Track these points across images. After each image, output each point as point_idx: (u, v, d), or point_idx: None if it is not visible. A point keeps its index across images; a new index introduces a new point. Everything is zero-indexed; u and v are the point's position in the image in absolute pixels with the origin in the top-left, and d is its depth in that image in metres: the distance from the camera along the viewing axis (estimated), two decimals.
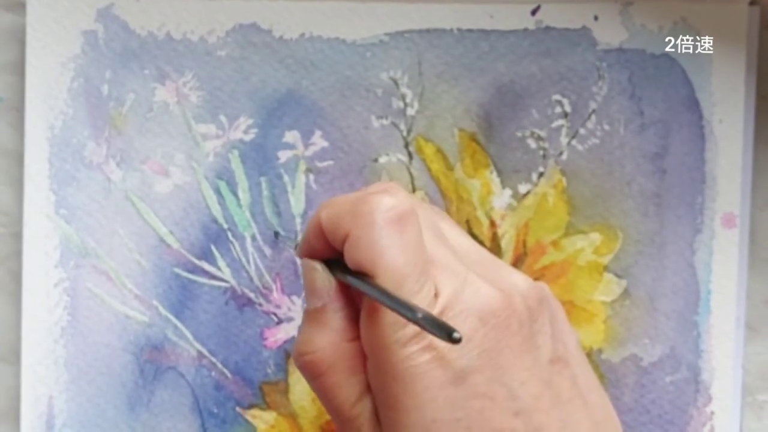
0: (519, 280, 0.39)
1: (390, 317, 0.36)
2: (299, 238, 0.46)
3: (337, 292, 0.39)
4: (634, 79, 0.47)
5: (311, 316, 0.39)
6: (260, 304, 0.48)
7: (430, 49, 0.47)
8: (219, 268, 0.48)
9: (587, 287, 0.47)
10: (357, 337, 0.38)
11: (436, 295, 0.37)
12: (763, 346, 0.48)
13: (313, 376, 0.38)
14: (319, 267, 0.39)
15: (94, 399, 0.48)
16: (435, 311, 0.36)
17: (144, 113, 0.48)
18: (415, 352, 0.36)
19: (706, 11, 0.46)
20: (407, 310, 0.34)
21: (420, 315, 0.34)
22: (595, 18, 0.47)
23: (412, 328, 0.36)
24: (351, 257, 0.37)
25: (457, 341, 0.32)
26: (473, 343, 0.36)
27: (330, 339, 0.38)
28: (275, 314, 0.48)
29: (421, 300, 0.36)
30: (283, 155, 0.48)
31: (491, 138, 0.47)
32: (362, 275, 0.37)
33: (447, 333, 0.33)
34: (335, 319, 0.38)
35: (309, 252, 0.40)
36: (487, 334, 0.36)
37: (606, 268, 0.47)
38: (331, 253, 0.39)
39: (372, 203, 0.37)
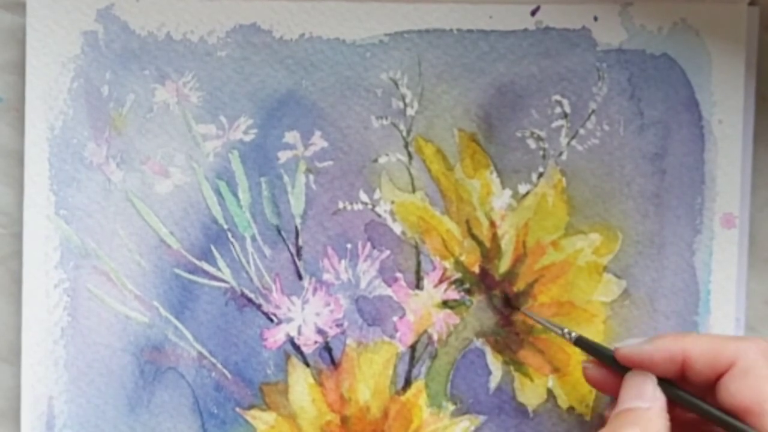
0: None
1: None
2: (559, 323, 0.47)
3: (665, 407, 0.41)
4: (633, 80, 0.47)
5: (634, 415, 0.41)
6: (260, 305, 0.48)
7: (429, 50, 0.47)
8: (219, 269, 0.48)
9: (587, 287, 0.47)
10: None
11: None
12: None
13: None
14: (654, 378, 0.42)
15: (94, 399, 0.48)
16: None
17: (144, 114, 0.48)
18: None
19: (706, 12, 0.46)
20: None
21: None
22: (595, 18, 0.47)
23: None
24: (734, 388, 0.40)
25: None
26: None
27: None
28: (275, 315, 0.48)
29: None
30: (283, 155, 0.48)
31: (491, 138, 0.47)
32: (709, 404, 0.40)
33: None
34: (655, 420, 0.41)
35: (639, 363, 0.42)
36: None
37: (606, 269, 0.47)
38: (659, 373, 0.42)
39: (758, 343, 0.41)
